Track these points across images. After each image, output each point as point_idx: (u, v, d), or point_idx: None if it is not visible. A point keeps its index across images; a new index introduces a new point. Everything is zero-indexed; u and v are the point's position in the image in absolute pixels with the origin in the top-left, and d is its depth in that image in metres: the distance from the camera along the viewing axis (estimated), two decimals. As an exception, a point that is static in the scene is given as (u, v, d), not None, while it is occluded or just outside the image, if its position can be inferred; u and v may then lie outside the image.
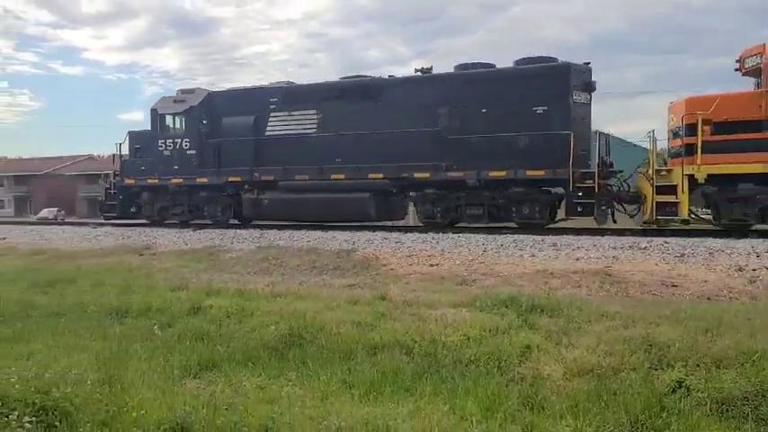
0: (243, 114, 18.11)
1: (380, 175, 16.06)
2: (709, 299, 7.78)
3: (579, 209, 14.15)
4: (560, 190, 14.62)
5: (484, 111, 15.35)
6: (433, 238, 12.81)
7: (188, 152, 18.68)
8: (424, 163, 15.58)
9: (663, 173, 13.26)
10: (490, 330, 6.64)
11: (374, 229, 15.19)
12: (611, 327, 6.46)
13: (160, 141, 19.14)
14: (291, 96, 17.91)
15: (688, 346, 5.69)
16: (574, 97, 14.70)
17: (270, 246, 12.82)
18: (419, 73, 16.50)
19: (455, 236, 13.09)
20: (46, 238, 16.24)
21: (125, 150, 19.99)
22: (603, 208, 14.26)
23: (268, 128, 17.87)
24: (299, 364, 6.30)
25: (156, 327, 7.56)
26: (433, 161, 15.50)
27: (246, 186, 17.86)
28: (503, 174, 14.85)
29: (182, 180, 18.63)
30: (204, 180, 18.35)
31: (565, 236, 12.52)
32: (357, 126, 16.46)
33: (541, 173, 14.51)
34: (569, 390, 5.48)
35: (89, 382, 5.08)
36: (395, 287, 8.89)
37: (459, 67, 16.26)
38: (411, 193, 16.16)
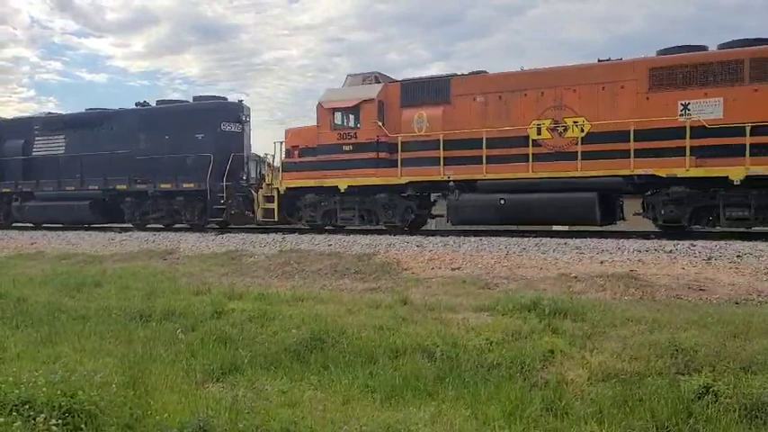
0: (16, 138, 23.00)
1: (96, 187, 20.75)
2: (737, 303, 7.63)
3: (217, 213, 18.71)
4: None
5: (167, 137, 19.66)
6: (455, 242, 12.76)
7: None
8: (122, 177, 20.09)
9: (268, 185, 17.78)
10: (513, 334, 6.60)
11: (395, 233, 15.26)
12: (636, 331, 6.37)
13: None
14: (49, 125, 22.80)
15: (715, 350, 5.59)
16: (223, 127, 19.34)
17: (291, 250, 12.87)
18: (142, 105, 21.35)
19: (477, 239, 13.03)
20: (73, 243, 16.51)
21: None
22: (233, 212, 18.59)
23: (33, 150, 22.68)
24: (320, 367, 6.32)
25: (179, 330, 7.63)
26: (128, 176, 20.04)
27: (14, 196, 22.62)
28: (169, 186, 19.37)
29: None
30: None
31: (589, 239, 12.39)
32: (86, 149, 20.97)
33: (192, 185, 18.94)
34: (594, 395, 5.41)
35: (114, 386, 5.15)
36: (416, 291, 8.89)
37: (159, 102, 21.42)
38: (127, 200, 20.45)
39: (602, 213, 13.66)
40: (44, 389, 4.69)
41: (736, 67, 12.79)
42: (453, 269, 10.17)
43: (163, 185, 19.43)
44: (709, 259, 9.73)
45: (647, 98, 13.52)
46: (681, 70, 13.31)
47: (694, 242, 11.16)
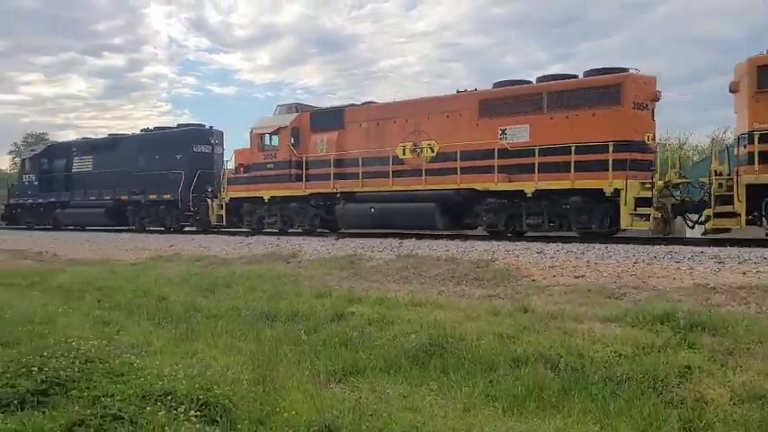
0: (59, 159, 30.07)
1: (108, 198, 26.55)
2: None
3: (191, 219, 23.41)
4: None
5: (157, 157, 24.88)
6: (578, 249, 12.26)
7: (33, 182, 31.02)
8: (125, 189, 25.56)
9: (221, 195, 22.00)
10: (644, 348, 6.21)
11: (515, 239, 15.11)
12: (788, 349, 5.78)
13: (24, 176, 32.09)
14: (83, 147, 29.45)
15: None
16: (195, 149, 24.40)
17: (408, 255, 12.95)
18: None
19: (602, 246, 12.45)
20: (205, 246, 17.61)
21: None
22: (198, 217, 23.09)
23: (72, 168, 29.17)
24: (440, 373, 6.28)
25: (302, 332, 7.90)
26: (130, 188, 25.45)
27: (57, 204, 29.19)
28: (155, 196, 24.48)
29: (30, 200, 31.06)
30: (40, 200, 30.27)
31: (729, 248, 11.45)
32: (104, 167, 27.10)
33: (169, 196, 23.92)
34: (737, 416, 4.98)
35: (245, 382, 5.41)
36: (537, 299, 8.62)
37: (156, 128, 27.16)
38: (128, 208, 25.92)
39: (447, 220, 17.02)
40: (184, 382, 5.01)
41: (538, 99, 15.68)
42: (576, 277, 9.76)
43: (151, 196, 24.60)
44: None
45: (477, 124, 16.58)
46: (500, 102, 16.36)
47: None
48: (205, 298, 10.55)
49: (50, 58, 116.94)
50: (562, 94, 15.33)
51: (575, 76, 15.66)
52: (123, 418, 4.34)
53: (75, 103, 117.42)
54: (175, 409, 4.48)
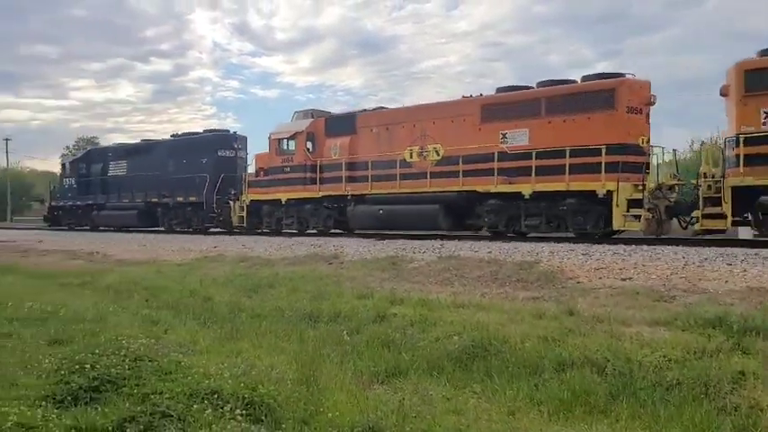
0: (96, 163, 31.87)
1: (140, 200, 27.89)
2: None
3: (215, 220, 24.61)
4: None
5: (184, 161, 26.33)
6: (624, 250, 11.99)
7: (72, 185, 32.81)
8: (156, 192, 26.94)
9: (242, 198, 23.14)
10: (695, 352, 6.02)
11: (559, 240, 14.93)
12: None
13: (65, 180, 33.87)
14: (118, 152, 31.35)
15: None
16: (219, 153, 25.66)
17: (450, 256, 12.87)
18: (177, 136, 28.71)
19: (650, 248, 12.14)
20: (248, 247, 17.86)
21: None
22: (221, 219, 24.23)
23: (109, 172, 30.91)
24: (483, 376, 6.22)
25: (345, 333, 7.93)
26: (160, 191, 26.78)
27: (94, 206, 30.73)
28: (182, 199, 25.87)
29: (70, 202, 32.78)
30: (78, 202, 32.05)
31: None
32: (136, 171, 28.72)
33: (195, 198, 25.14)
34: (797, 426, 4.77)
35: (289, 382, 5.46)
36: (583, 301, 8.45)
37: (184, 134, 28.67)
38: (158, 210, 27.33)
39: (450, 222, 17.50)
40: (229, 381, 5.09)
41: (537, 104, 16.10)
42: (623, 279, 9.54)
43: (178, 198, 26.05)
44: None
45: (480, 129, 17.05)
46: (502, 107, 16.83)
47: None
48: (249, 298, 10.70)
49: (100, 64, 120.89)
50: (559, 99, 15.79)
51: (573, 82, 16.11)
52: (172, 416, 4.43)
53: (124, 107, 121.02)
54: (221, 408, 4.55)
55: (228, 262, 15.32)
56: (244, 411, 4.55)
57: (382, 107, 21.08)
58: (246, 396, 4.78)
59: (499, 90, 17.49)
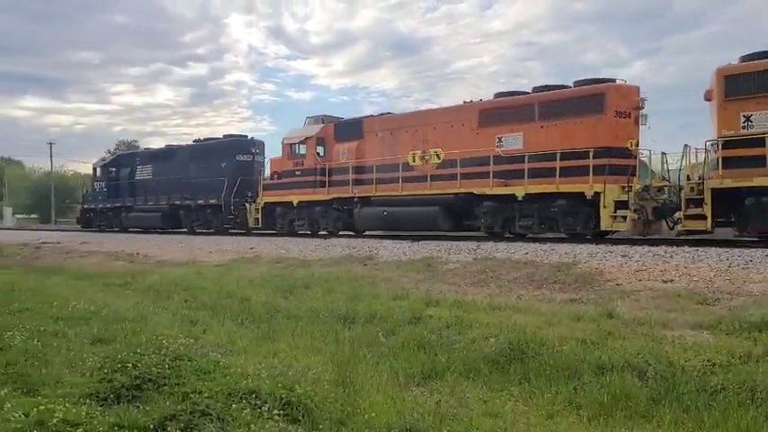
0: (125, 168, 33.02)
1: (164, 203, 28.89)
2: None
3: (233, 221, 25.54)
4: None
5: (203, 165, 27.35)
6: (666, 252, 11.72)
7: (103, 189, 33.67)
8: (178, 195, 28.14)
9: (258, 200, 24.06)
10: (740, 357, 5.86)
11: (597, 241, 14.75)
12: None
13: (96, 183, 34.67)
14: (144, 157, 32.90)
15: None
16: (237, 158, 26.49)
17: (486, 258, 12.78)
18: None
19: (692, 249, 11.84)
20: (285, 248, 18.02)
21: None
22: (238, 221, 25.18)
23: (136, 176, 31.95)
24: (521, 378, 6.15)
25: (380, 334, 7.93)
26: (182, 194, 27.96)
27: (123, 208, 31.83)
28: (203, 201, 26.79)
29: (101, 205, 33.95)
30: (108, 205, 32.99)
31: (833, 250, 10.64)
32: (161, 175, 29.77)
33: (214, 201, 26.09)
34: None
35: (325, 383, 5.49)
36: (622, 304, 8.29)
37: (206, 139, 29.96)
38: (180, 212, 28.34)
39: (450, 223, 18.15)
40: (267, 381, 5.14)
41: (530, 108, 16.60)
42: (665, 281, 9.33)
43: (199, 201, 27.04)
44: None
45: (477, 133, 17.63)
46: (498, 111, 17.39)
47: None
48: (285, 299, 10.78)
49: (140, 69, 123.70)
50: (552, 104, 16.30)
51: (567, 87, 16.54)
52: (211, 415, 4.49)
53: (163, 111, 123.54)
54: (259, 408, 4.60)
55: (265, 263, 15.48)
56: (281, 411, 4.59)
57: (389, 113, 21.89)
58: (284, 396, 4.82)
59: (497, 95, 18.08)
